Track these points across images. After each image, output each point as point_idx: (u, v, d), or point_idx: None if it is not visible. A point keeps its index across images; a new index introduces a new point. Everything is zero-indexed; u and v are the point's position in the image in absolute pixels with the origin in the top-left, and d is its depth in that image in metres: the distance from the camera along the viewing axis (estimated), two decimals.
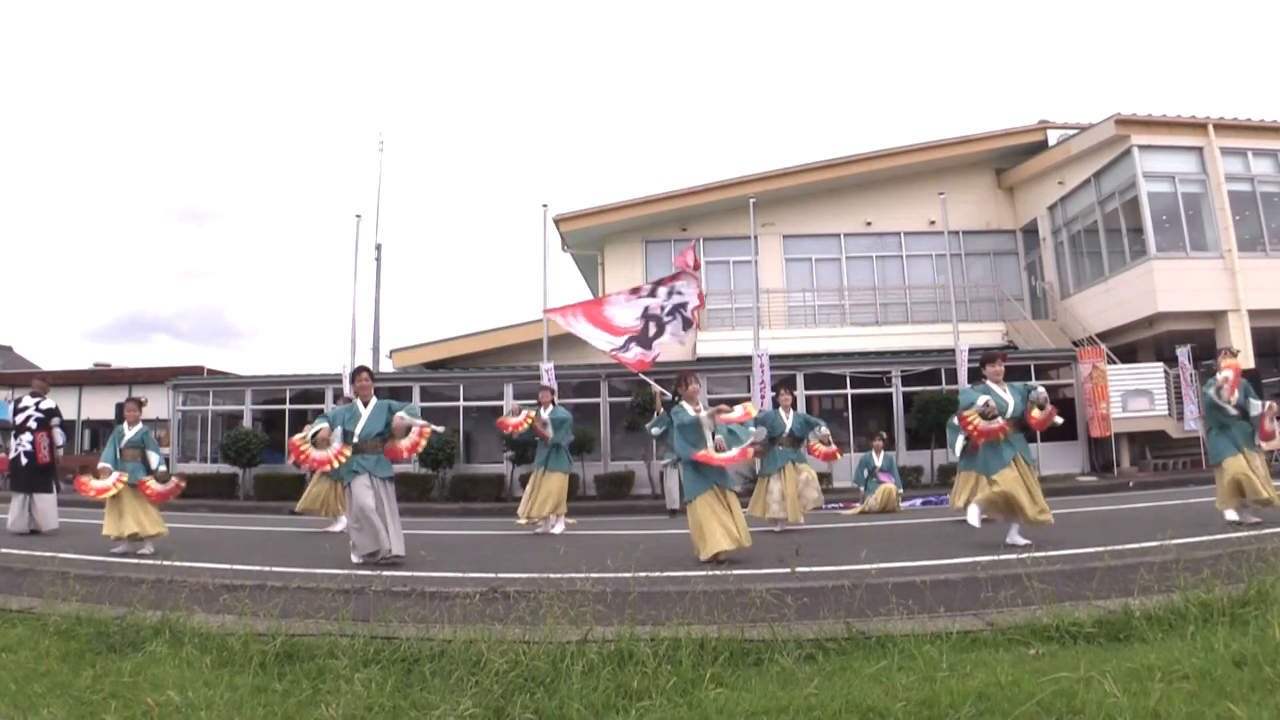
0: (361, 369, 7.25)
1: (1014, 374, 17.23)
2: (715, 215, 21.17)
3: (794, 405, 9.18)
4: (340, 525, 9.40)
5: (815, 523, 9.52)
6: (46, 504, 9.09)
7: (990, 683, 2.66)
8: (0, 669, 3.22)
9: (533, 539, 8.81)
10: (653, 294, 11.00)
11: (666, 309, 10.83)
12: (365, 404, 6.81)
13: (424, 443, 6.88)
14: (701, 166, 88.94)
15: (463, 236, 71.86)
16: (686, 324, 10.93)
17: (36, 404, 9.34)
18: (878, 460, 11.58)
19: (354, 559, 6.47)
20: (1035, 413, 6.66)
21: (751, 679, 2.98)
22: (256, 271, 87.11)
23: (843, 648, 3.31)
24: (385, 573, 5.72)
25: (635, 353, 10.51)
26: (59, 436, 9.55)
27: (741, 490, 7.76)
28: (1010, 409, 6.65)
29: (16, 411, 9.42)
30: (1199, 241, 17.15)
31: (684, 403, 6.66)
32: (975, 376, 7.79)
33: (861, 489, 11.68)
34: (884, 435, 12.64)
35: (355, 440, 6.63)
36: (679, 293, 10.86)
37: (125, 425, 7.69)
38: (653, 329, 10.78)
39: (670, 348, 21.24)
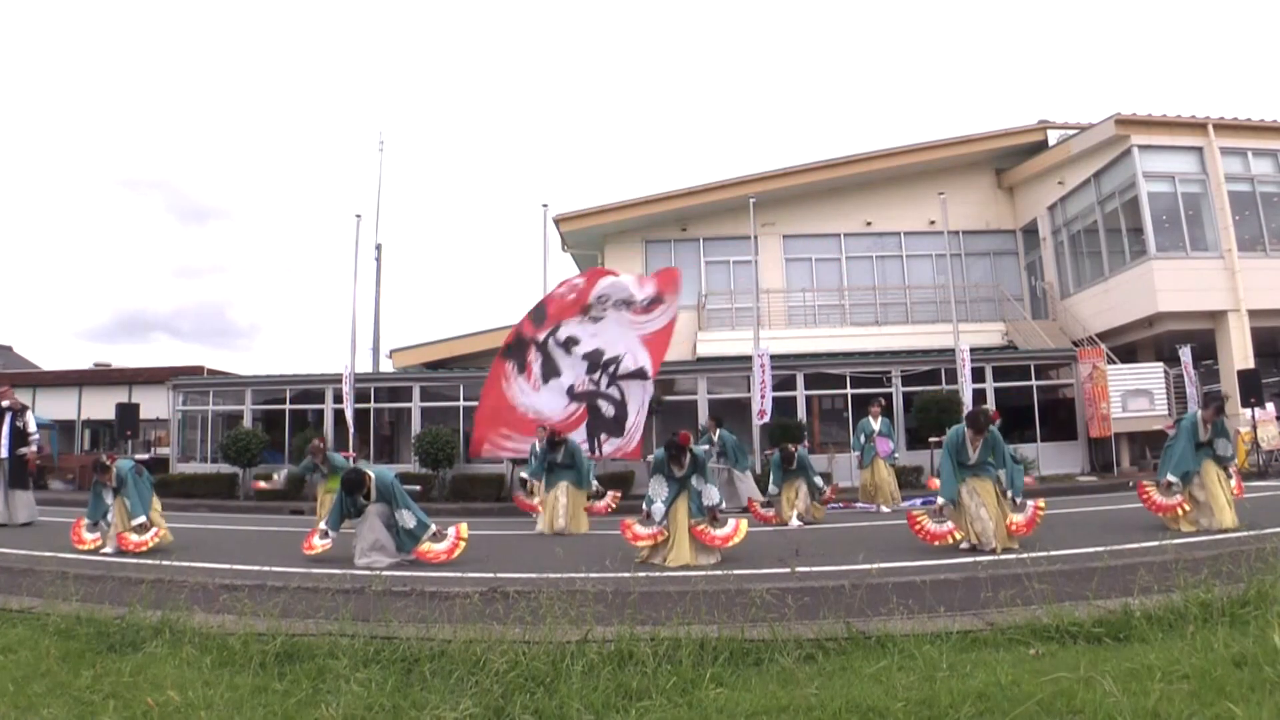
0: None
1: (1014, 374, 17.36)
2: (715, 215, 21.16)
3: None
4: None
5: (815, 523, 9.52)
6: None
7: (990, 683, 2.66)
8: (0, 669, 3.21)
9: (532, 539, 8.80)
10: (563, 347, 7.89)
11: (602, 362, 7.74)
12: None
13: None
14: (701, 166, 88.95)
15: (463, 236, 71.89)
16: (638, 374, 7.72)
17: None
18: (875, 425, 11.40)
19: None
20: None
21: (751, 679, 2.98)
22: (257, 271, 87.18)
23: (843, 648, 3.30)
24: (385, 573, 5.73)
25: (613, 446, 8.38)
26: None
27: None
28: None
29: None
30: (1199, 241, 17.14)
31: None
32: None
33: (858, 455, 11.60)
34: (881, 402, 12.29)
35: None
36: (613, 311, 7.40)
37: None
38: (605, 406, 7.89)
39: (673, 346, 21.34)
